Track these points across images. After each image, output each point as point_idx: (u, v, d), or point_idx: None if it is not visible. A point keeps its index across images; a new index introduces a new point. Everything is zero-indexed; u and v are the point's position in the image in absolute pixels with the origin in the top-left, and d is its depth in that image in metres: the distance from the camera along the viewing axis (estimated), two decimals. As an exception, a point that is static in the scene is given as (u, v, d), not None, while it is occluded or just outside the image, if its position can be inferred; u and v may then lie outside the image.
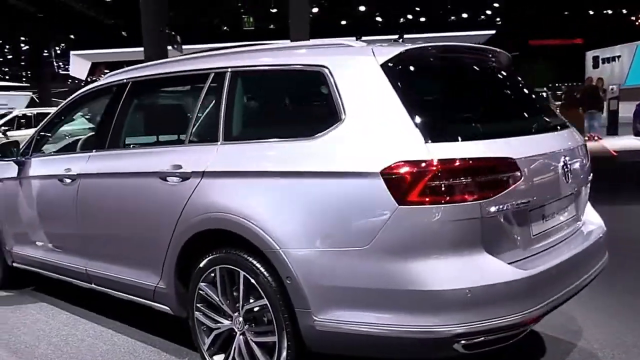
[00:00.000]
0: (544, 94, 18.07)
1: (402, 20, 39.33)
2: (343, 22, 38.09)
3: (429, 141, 2.52)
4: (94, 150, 4.08)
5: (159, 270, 3.43)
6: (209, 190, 3.12)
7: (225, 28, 36.87)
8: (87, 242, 4.08)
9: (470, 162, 2.52)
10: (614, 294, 4.48)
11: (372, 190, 2.53)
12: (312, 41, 3.22)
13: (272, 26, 34.79)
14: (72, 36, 36.06)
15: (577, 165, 3.19)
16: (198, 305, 3.25)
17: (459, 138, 2.59)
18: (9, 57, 42.22)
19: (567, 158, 3.02)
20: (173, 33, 32.34)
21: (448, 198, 2.47)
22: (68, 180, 4.10)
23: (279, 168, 2.87)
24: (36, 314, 4.63)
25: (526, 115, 3.36)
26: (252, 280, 2.93)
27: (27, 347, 3.98)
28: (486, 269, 2.54)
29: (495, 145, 2.66)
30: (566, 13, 39.66)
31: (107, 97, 4.20)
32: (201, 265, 3.16)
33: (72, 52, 35.00)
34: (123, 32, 32.75)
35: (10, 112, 17.64)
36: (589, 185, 3.46)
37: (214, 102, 3.33)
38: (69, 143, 4.90)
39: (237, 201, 2.98)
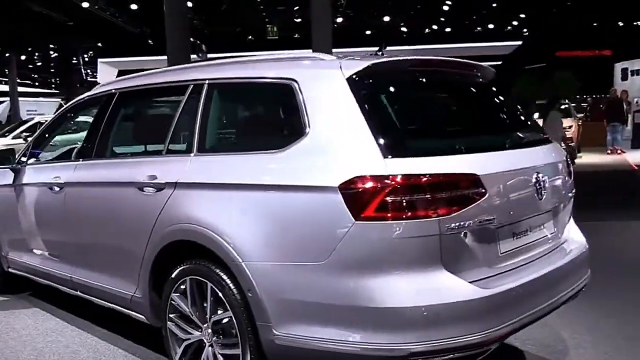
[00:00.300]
0: (567, 106, 17.75)
1: (427, 30, 39.20)
2: (368, 32, 38.09)
3: (389, 156, 2.49)
4: (81, 159, 4.14)
5: (135, 279, 3.46)
6: (180, 202, 3.14)
7: (250, 37, 37.16)
8: (72, 250, 4.15)
9: (429, 177, 2.48)
10: (609, 314, 4.39)
11: (330, 205, 2.51)
12: (285, 53, 3.21)
13: (296, 35, 34.91)
14: (99, 44, 36.61)
15: (554, 182, 3.13)
16: (170, 315, 3.26)
17: (420, 153, 2.56)
18: (39, 64, 43.09)
19: (540, 175, 2.96)
20: (198, 42, 32.76)
21: (405, 214, 2.43)
22: (57, 189, 4.17)
23: (244, 181, 2.88)
24: (27, 319, 4.69)
25: (500, 131, 3.31)
26: (219, 292, 2.93)
27: (12, 352, 4.02)
28: (444, 287, 2.49)
29: (458, 161, 2.63)
30: (595, 24, 39.15)
31: (96, 107, 4.26)
32: (173, 275, 3.18)
33: (99, 60, 35.53)
34: (149, 41, 33.14)
35: (32, 119, 17.96)
36: (571, 202, 3.39)
37: (190, 113, 3.35)
38: (65, 151, 4.95)
39: (204, 213, 2.99)
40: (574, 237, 3.40)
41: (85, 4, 25.49)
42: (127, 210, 3.52)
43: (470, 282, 2.56)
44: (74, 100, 4.69)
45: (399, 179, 2.44)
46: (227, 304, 2.89)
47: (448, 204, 2.49)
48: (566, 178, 3.30)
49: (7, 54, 33.18)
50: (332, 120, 2.69)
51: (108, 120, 4.01)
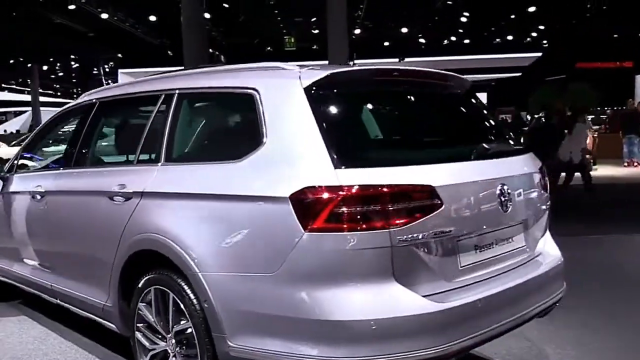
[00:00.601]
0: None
1: (445, 42, 39.07)
2: (386, 44, 38.09)
3: (341, 167, 2.47)
4: (61, 168, 4.18)
5: (107, 288, 3.47)
6: (145, 211, 3.16)
7: (268, 48, 37.35)
8: (52, 258, 4.18)
9: (380, 189, 2.45)
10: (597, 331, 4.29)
11: (281, 216, 2.49)
12: (250, 64, 3.21)
13: (315, 47, 35.04)
14: (120, 55, 37.08)
15: (523, 195, 3.08)
16: (138, 325, 3.27)
17: (374, 164, 2.55)
18: (60, 74, 43.75)
19: (506, 187, 2.91)
20: (217, 53, 33.02)
21: (355, 225, 2.40)
22: (38, 197, 4.20)
23: (202, 190, 2.90)
24: (13, 326, 4.72)
25: (465, 142, 3.28)
26: (180, 303, 2.93)
27: (-8, 358, 4.05)
28: (395, 301, 2.46)
29: (413, 172, 2.59)
30: (616, 35, 38.70)
31: (78, 116, 4.29)
32: (139, 285, 3.19)
33: (120, 70, 36.00)
34: (169, 52, 33.47)
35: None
36: (546, 215, 3.34)
37: (160, 123, 3.38)
38: (53, 160, 5.00)
39: (166, 223, 3.01)
40: (549, 251, 3.34)
41: (104, 15, 25.86)
42: (99, 219, 3.54)
43: (424, 296, 2.51)
44: (59, 110, 4.75)
45: (349, 189, 2.41)
46: (187, 315, 2.89)
47: (400, 216, 2.46)
48: (539, 190, 3.25)
49: (29, 65, 33.76)
50: (287, 130, 2.68)
51: (87, 130, 4.07)
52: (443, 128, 3.36)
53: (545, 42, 38.96)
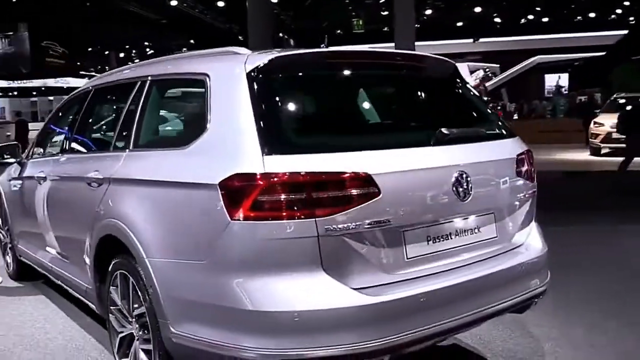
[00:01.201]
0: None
1: (522, 21, 37.65)
2: (459, 24, 37.12)
3: (270, 154, 2.34)
4: (59, 154, 4.22)
5: (87, 271, 3.45)
6: (111, 197, 3.16)
7: (338, 31, 37.15)
8: (50, 240, 4.23)
9: (305, 176, 2.30)
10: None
11: (212, 203, 2.39)
12: (212, 50, 3.11)
13: (386, 29, 34.54)
14: (192, 41, 37.85)
15: (495, 183, 2.85)
16: (110, 307, 3.20)
17: (307, 151, 2.39)
18: (136, 61, 45.06)
19: (466, 175, 2.66)
20: (285, 37, 33.07)
21: (279, 214, 2.29)
22: (40, 182, 4.27)
23: (152, 177, 2.87)
24: (28, 304, 4.75)
25: (419, 127, 3.03)
26: (137, 287, 2.88)
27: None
28: (321, 293, 2.32)
29: (348, 159, 2.40)
30: None
31: (78, 103, 4.31)
32: (109, 269, 3.15)
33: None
34: (239, 37, 33.85)
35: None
36: (527, 204, 3.03)
37: (132, 110, 3.34)
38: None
39: (123, 209, 3.00)
40: (531, 243, 3.04)
41: (173, 2, 26.38)
42: (79, 203, 3.56)
43: (358, 288, 2.36)
44: (66, 98, 4.81)
45: (273, 177, 2.30)
46: (141, 299, 2.83)
47: (328, 205, 2.31)
48: (517, 178, 2.97)
49: (106, 52, 34.98)
50: (227, 116, 2.59)
51: (82, 117, 4.12)
52: (399, 113, 3.21)
53: (631, 18, 36.80)
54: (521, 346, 3.64)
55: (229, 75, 2.65)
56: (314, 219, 2.27)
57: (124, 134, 3.36)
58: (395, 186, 2.46)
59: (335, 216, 2.30)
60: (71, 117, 4.38)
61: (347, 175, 2.35)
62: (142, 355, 2.92)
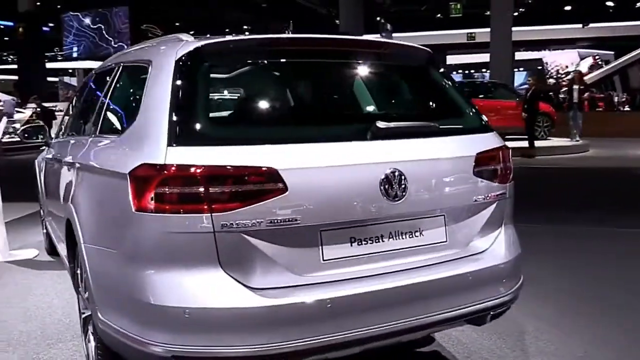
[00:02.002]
0: None
1: (638, 4, 35.06)
2: (567, 8, 35.13)
3: (173, 145, 2.25)
4: (65, 136, 4.44)
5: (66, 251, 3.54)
6: (72, 181, 3.25)
7: (438, 15, 36.21)
8: (53, 219, 4.36)
9: (203, 169, 2.20)
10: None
11: (123, 193, 2.34)
12: (165, 37, 3.04)
13: (487, 13, 33.32)
14: (290, 25, 38.10)
15: (447, 183, 2.62)
16: (78, 289, 3.24)
17: (212, 143, 2.28)
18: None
19: (399, 173, 2.44)
20: (382, 21, 32.63)
21: (175, 207, 2.21)
22: (51, 163, 4.46)
23: (91, 163, 2.93)
24: (47, 279, 4.94)
25: (350, 120, 2.82)
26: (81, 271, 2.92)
27: (5, 303, 4.34)
28: (215, 291, 2.22)
29: (256, 153, 2.27)
30: None
31: (83, 87, 4.45)
32: (76, 250, 3.16)
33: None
34: (337, 21, 33.76)
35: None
36: (490, 207, 2.75)
37: (103, 96, 3.41)
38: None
39: (75, 194, 3.09)
40: (496, 250, 2.75)
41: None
42: (62, 185, 3.66)
43: (258, 289, 2.23)
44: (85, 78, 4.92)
45: (170, 169, 2.21)
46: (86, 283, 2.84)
47: (226, 200, 2.21)
48: (475, 178, 2.68)
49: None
50: (152, 104, 2.49)
51: (82, 100, 4.29)
52: (337, 106, 2.99)
53: None
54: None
55: (162, 63, 2.57)
56: (210, 214, 2.18)
57: (93, 119, 3.42)
58: (308, 183, 2.29)
59: (233, 212, 2.19)
60: (77, 100, 4.55)
61: (248, 169, 2.22)
62: (91, 337, 2.96)
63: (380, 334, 2.35)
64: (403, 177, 2.43)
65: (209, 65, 2.55)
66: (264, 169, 2.23)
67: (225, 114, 2.68)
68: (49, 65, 29.44)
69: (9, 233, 5.93)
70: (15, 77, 28.32)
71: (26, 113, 20.74)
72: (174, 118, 2.31)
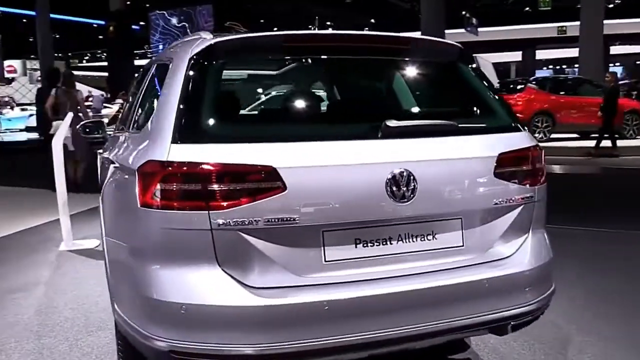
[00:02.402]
0: None
1: None
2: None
3: (177, 142, 2.28)
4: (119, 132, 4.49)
5: None
6: (107, 175, 3.29)
7: (526, 9, 35.00)
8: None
9: (201, 166, 2.21)
10: None
11: (132, 188, 2.39)
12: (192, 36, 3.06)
13: (578, 5, 31.94)
14: (372, 20, 37.95)
15: (463, 185, 2.49)
16: None
17: (216, 140, 2.29)
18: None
19: (407, 173, 2.34)
20: (468, 15, 31.89)
21: (174, 204, 2.22)
22: (103, 158, 4.54)
23: (116, 159, 2.99)
24: (94, 266, 5.09)
25: (374, 118, 2.64)
26: None
27: (62, 291, 4.52)
28: (211, 288, 2.22)
29: (255, 150, 2.24)
30: None
31: (136, 81, 4.53)
32: None
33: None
34: (420, 15, 33.32)
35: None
36: (515, 211, 2.60)
37: (139, 93, 3.53)
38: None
39: (103, 188, 3.23)
40: (520, 256, 2.59)
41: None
42: (101, 180, 3.76)
43: (256, 287, 2.21)
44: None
45: (172, 166, 2.23)
46: None
47: (223, 197, 2.20)
48: (497, 180, 2.54)
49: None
50: (164, 102, 2.52)
51: (130, 95, 4.38)
52: (350, 103, 2.91)
53: None
54: None
55: (178, 61, 2.61)
56: (207, 212, 2.18)
57: (130, 116, 3.53)
58: (308, 182, 2.25)
59: (230, 210, 2.18)
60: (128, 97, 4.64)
61: (246, 168, 2.21)
62: None
63: (385, 340, 2.28)
64: (412, 178, 2.34)
65: (221, 63, 2.56)
66: (261, 167, 2.20)
67: (232, 111, 2.67)
68: (137, 62, 30.63)
69: (76, 224, 6.21)
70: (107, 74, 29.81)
71: (113, 108, 21.66)
72: (181, 115, 2.33)
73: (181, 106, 2.36)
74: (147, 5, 31.11)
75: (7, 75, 30.51)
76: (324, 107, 2.94)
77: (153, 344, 2.25)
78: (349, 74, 3.01)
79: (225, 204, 2.18)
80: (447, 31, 24.04)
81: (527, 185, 2.62)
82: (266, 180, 2.20)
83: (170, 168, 2.22)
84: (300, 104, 2.89)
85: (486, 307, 2.43)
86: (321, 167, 2.27)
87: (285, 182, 2.20)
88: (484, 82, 2.89)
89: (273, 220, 2.20)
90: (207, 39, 2.59)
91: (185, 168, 2.20)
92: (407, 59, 2.86)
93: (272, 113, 2.67)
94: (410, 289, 2.31)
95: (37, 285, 4.70)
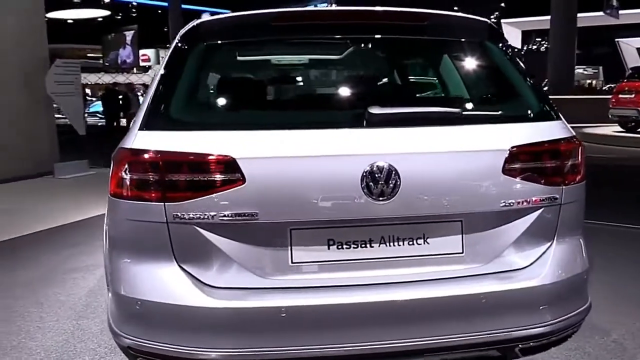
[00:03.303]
0: None
1: None
2: None
3: (144, 128, 2.17)
4: None
5: None
6: None
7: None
8: None
9: (158, 155, 2.07)
10: None
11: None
12: None
13: None
14: (502, 4, 36.24)
15: (455, 181, 2.14)
16: None
17: (178, 127, 2.15)
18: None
19: (389, 168, 2.05)
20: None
21: (133, 194, 2.12)
22: None
23: None
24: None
25: (348, 104, 2.44)
26: None
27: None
28: (165, 284, 2.09)
29: (216, 139, 2.07)
30: None
31: None
32: None
33: (503, 21, 35.26)
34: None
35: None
36: (532, 215, 2.23)
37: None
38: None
39: None
40: (538, 267, 2.23)
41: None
42: None
43: (212, 286, 2.06)
44: None
45: (134, 153, 2.11)
46: None
47: (179, 189, 2.06)
48: (509, 178, 2.18)
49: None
50: (149, 87, 2.43)
51: None
52: (320, 89, 2.72)
53: None
54: None
55: (172, 45, 2.52)
56: (162, 203, 2.05)
57: None
58: (271, 175, 2.04)
59: (186, 202, 2.04)
60: None
61: (203, 157, 2.05)
62: None
63: (358, 355, 2.04)
64: (393, 173, 2.05)
65: (204, 46, 2.42)
66: (220, 157, 2.03)
67: (204, 97, 2.53)
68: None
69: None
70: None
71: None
72: (153, 101, 2.23)
73: (156, 92, 2.26)
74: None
75: (142, 63, 32.37)
76: (304, 92, 2.71)
77: (117, 339, 2.20)
78: (346, 56, 2.74)
79: (181, 195, 2.04)
80: (580, 15, 22.40)
81: (551, 185, 2.24)
82: (224, 172, 2.03)
83: (132, 156, 2.11)
84: (275, 89, 2.69)
85: (487, 325, 2.12)
86: (287, 158, 2.06)
87: (245, 174, 2.02)
88: (516, 65, 2.51)
89: (230, 215, 2.03)
90: (198, 20, 2.47)
91: (144, 156, 2.08)
92: (416, 37, 2.54)
93: (245, 99, 2.47)
94: (393, 299, 2.06)
95: (99, 267, 4.85)
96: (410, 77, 2.88)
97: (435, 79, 2.90)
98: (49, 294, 4.20)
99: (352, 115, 2.19)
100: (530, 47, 40.93)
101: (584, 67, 36.58)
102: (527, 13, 32.65)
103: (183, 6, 29.51)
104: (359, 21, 2.44)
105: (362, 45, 2.65)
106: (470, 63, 2.65)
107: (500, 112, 2.42)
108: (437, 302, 2.08)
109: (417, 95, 2.69)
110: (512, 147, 2.19)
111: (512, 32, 37.37)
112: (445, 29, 2.54)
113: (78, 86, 10.50)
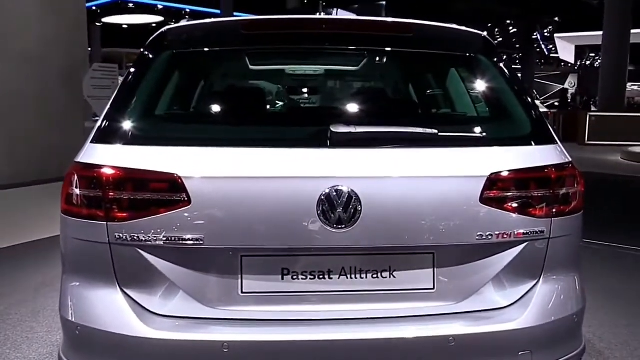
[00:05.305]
0: None
1: None
2: None
3: (96, 142, 2.07)
4: None
5: None
6: None
7: None
8: None
9: (99, 170, 1.96)
10: None
11: None
12: None
13: None
14: (557, 18, 35.32)
15: (424, 209, 1.96)
16: None
17: (126, 141, 2.04)
18: (499, 39, 43.85)
19: (346, 191, 1.88)
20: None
21: (78, 211, 2.01)
22: None
23: None
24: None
25: (310, 122, 2.33)
26: None
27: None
28: (105, 309, 1.98)
29: (164, 155, 1.95)
30: None
31: None
32: None
33: (556, 35, 34.42)
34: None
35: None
36: (516, 250, 2.03)
37: None
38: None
39: None
40: (521, 307, 2.02)
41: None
42: None
43: (156, 314, 1.94)
44: None
45: (79, 169, 2.01)
46: None
47: (122, 208, 1.94)
48: (487, 208, 1.97)
49: (469, 30, 34.93)
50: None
51: None
52: (294, 104, 2.63)
53: None
54: None
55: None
56: (105, 223, 1.93)
57: None
58: (219, 196, 1.91)
59: (128, 223, 1.92)
60: None
61: (147, 174, 1.93)
62: None
63: None
64: (354, 199, 1.88)
65: (169, 55, 2.34)
66: (163, 175, 1.90)
67: (158, 110, 2.41)
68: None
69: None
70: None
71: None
72: (109, 111, 2.13)
73: (113, 102, 2.16)
74: (324, 3, 31.75)
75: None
76: (266, 106, 2.56)
77: None
78: (318, 69, 2.59)
79: (123, 215, 1.93)
80: (634, 30, 21.65)
81: (537, 217, 2.03)
82: (168, 191, 1.90)
83: (78, 171, 2.01)
84: (235, 102, 2.54)
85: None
86: (238, 178, 1.92)
87: (190, 195, 1.88)
88: (510, 81, 2.31)
89: (173, 239, 1.90)
90: (167, 27, 2.39)
91: (88, 171, 1.98)
92: (399, 49, 2.37)
93: (200, 112, 2.35)
94: (351, 338, 1.90)
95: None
96: (387, 94, 2.70)
97: (414, 95, 2.72)
98: (49, 303, 4.12)
99: (315, 134, 2.03)
100: (584, 62, 39.97)
101: (639, 84, 35.46)
102: (581, 28, 31.78)
103: (235, 13, 29.82)
104: (335, 31, 2.30)
105: (337, 57, 2.49)
106: (457, 79, 2.47)
107: (482, 134, 2.22)
108: (402, 343, 1.91)
109: (392, 113, 2.49)
110: (492, 174, 1.99)
111: (566, 47, 36.49)
112: (431, 42, 2.37)
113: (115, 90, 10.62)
